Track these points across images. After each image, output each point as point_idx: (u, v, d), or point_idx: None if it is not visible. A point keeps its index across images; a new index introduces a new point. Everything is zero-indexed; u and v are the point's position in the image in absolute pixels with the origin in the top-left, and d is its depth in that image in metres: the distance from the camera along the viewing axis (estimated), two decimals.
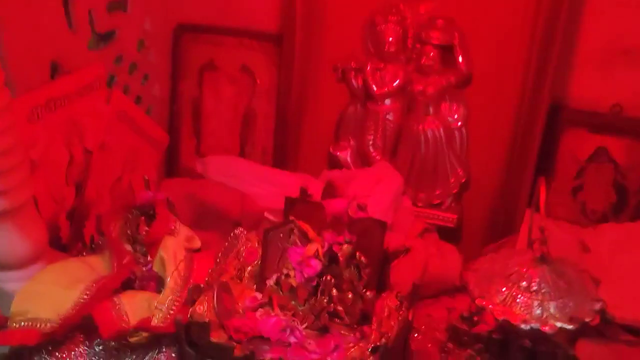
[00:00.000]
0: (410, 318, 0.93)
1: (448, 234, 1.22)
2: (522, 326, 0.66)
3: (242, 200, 1.18)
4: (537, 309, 0.66)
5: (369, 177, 1.18)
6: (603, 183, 1.22)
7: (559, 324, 0.65)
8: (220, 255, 0.94)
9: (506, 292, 0.68)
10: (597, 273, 0.99)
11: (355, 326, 0.89)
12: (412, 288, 0.92)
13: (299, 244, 0.90)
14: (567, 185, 1.24)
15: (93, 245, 1.06)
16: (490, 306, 0.68)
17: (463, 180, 1.28)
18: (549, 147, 1.22)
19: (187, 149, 1.49)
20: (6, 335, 0.89)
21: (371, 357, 0.82)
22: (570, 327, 0.65)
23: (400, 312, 0.89)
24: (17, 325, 0.90)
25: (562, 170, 1.24)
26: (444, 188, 1.27)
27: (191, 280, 0.92)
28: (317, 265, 0.87)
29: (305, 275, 0.86)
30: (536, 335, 0.79)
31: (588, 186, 1.23)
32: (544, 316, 0.66)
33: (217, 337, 0.85)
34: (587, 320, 0.66)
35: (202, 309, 0.87)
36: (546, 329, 0.65)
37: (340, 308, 0.89)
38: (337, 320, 0.90)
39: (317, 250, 0.88)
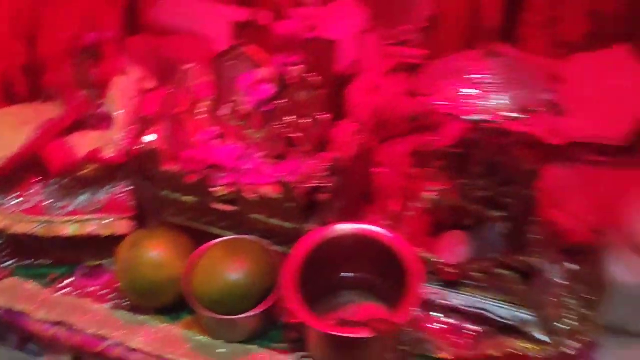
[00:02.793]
0: (372, 144, 0.90)
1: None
2: (470, 118, 0.63)
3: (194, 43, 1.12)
4: (486, 100, 0.63)
5: (332, 14, 1.12)
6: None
7: (509, 114, 0.62)
8: (171, 89, 0.90)
9: (454, 88, 0.64)
10: (570, 101, 0.96)
11: (313, 152, 0.87)
12: (374, 114, 0.89)
13: (249, 69, 0.86)
14: (540, 16, 1.18)
15: (44, 95, 1.03)
16: (437, 102, 0.65)
17: (432, 14, 1.20)
18: None
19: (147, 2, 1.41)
20: None
21: (326, 178, 0.80)
22: (521, 116, 0.62)
23: (361, 136, 0.86)
24: None
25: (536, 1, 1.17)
26: (412, 22, 1.20)
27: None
28: (268, 89, 0.84)
29: (257, 100, 0.83)
30: (493, 143, 0.77)
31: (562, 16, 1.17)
32: (494, 107, 0.63)
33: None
34: (538, 109, 0.62)
35: (154, 140, 0.84)
36: (496, 119, 0.62)
37: (297, 134, 0.86)
38: (294, 148, 0.88)
39: (268, 75, 0.84)
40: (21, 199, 0.87)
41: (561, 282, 0.83)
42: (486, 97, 0.63)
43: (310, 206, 0.79)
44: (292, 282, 0.70)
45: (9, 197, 0.87)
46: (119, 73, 0.95)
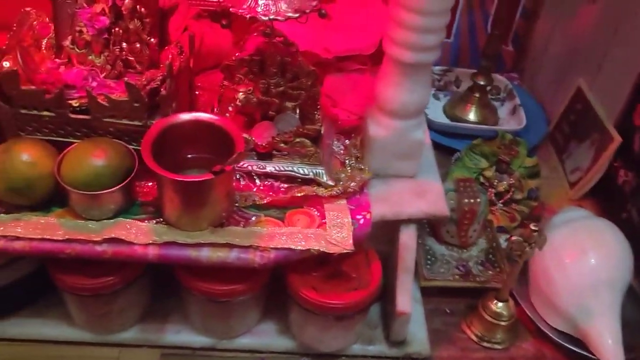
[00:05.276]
0: (191, 64, 1.15)
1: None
2: (263, 18, 0.92)
3: None
4: (272, 7, 0.92)
5: None
6: None
7: (289, 14, 0.92)
8: (14, 26, 1.07)
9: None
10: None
11: (145, 72, 1.10)
12: (190, 39, 1.14)
13: (86, 6, 1.06)
14: None
15: None
16: (237, 10, 0.93)
17: None
18: None
19: None
20: None
21: (160, 85, 1.04)
22: (296, 15, 0.93)
23: (181, 56, 1.11)
24: None
25: None
26: None
27: None
28: (105, 19, 1.05)
29: (97, 27, 1.04)
30: (282, 50, 1.06)
31: None
32: (278, 10, 0.93)
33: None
34: (307, 11, 0.94)
35: (9, 65, 1.01)
36: (280, 18, 0.92)
37: (131, 57, 1.08)
38: (130, 69, 1.10)
39: (104, 8, 1.05)
40: None
41: (340, 149, 1.16)
42: (270, 3, 0.93)
43: (152, 105, 1.02)
44: (148, 152, 0.94)
45: None
46: None
